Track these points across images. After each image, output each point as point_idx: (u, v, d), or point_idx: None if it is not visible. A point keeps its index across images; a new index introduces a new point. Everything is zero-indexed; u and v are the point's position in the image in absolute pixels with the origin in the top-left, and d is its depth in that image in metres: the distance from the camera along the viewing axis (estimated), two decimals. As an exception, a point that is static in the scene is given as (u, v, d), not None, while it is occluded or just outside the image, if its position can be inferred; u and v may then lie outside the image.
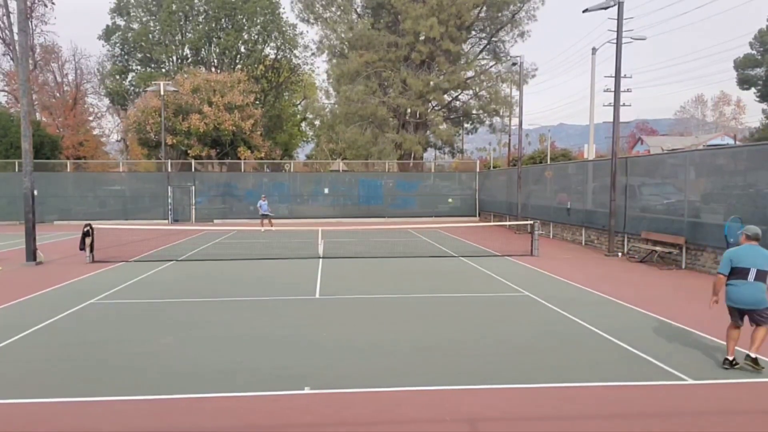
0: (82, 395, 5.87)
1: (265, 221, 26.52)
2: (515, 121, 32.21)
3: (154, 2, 49.46)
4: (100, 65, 52.77)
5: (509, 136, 33.11)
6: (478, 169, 38.89)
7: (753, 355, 6.55)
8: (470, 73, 41.47)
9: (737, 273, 6.56)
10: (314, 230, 20.94)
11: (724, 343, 7.68)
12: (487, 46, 43.49)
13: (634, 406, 5.52)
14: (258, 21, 50.74)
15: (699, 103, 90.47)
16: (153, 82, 39.81)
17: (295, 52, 53.34)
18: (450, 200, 36.02)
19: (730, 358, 6.61)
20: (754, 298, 6.47)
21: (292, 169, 43.79)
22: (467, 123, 46.47)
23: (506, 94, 39.83)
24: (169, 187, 33.00)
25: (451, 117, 45.22)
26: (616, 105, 17.74)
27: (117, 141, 59.14)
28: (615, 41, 17.48)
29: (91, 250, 15.81)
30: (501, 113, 41.22)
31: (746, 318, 6.64)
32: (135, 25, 50.49)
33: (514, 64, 31.17)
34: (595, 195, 20.03)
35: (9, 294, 11.14)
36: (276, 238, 22.80)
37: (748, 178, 12.92)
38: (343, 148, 45.15)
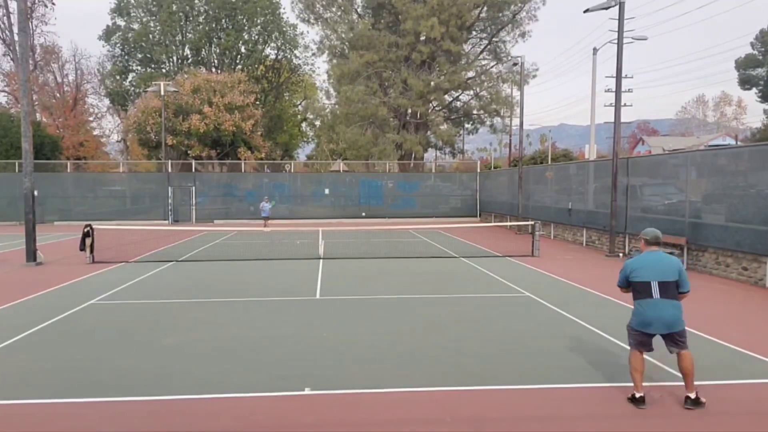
0: (82, 395, 5.86)
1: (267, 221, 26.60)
2: (516, 121, 32.19)
3: (154, 2, 49.49)
4: (101, 65, 52.86)
5: (510, 136, 33.06)
6: (478, 170, 38.89)
7: (693, 396, 5.41)
8: (471, 74, 41.49)
9: (638, 289, 5.48)
10: (315, 231, 20.92)
11: (725, 344, 7.69)
12: (488, 47, 43.49)
13: (635, 406, 5.49)
14: (258, 21, 50.78)
15: (700, 104, 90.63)
16: (153, 83, 39.88)
17: (295, 52, 53.45)
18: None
19: (638, 395, 5.44)
20: (664, 319, 5.34)
21: (292, 170, 43.80)
22: (468, 123, 46.47)
23: (507, 94, 39.82)
24: (170, 188, 33.00)
25: (452, 117, 45.23)
26: (617, 105, 17.72)
27: (117, 141, 59.18)
28: (616, 41, 17.46)
29: (92, 251, 15.80)
30: (502, 113, 41.22)
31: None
32: (135, 26, 50.54)
33: (515, 64, 31.11)
34: (596, 195, 20.01)
35: (9, 294, 11.13)
36: (276, 239, 22.79)
37: (749, 179, 12.90)
38: (344, 149, 45.16)
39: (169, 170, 33.93)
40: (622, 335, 7.94)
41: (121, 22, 50.79)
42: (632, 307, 5.69)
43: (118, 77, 51.31)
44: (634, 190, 17.37)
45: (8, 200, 31.32)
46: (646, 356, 7.04)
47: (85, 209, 32.81)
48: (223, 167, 41.39)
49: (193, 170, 36.10)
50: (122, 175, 37.58)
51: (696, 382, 6.20)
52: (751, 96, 64.98)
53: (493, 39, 42.85)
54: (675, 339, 5.42)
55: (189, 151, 40.72)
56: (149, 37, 49.59)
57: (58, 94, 50.63)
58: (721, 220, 13.41)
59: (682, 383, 6.25)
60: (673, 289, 5.40)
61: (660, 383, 6.17)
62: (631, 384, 5.57)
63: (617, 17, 17.19)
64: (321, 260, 16.06)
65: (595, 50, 36.07)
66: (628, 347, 5.73)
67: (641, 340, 5.50)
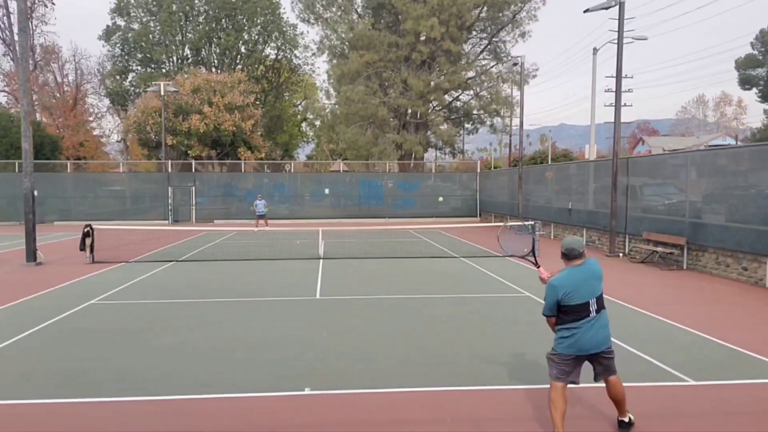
0: (82, 396, 5.86)
1: (260, 221, 26.49)
2: (516, 121, 32.21)
3: (154, 2, 49.51)
4: (101, 65, 52.90)
5: (510, 136, 33.07)
6: (478, 170, 38.88)
7: (627, 419, 4.95)
8: (471, 74, 41.47)
9: (573, 312, 4.63)
10: (315, 230, 20.92)
11: (725, 344, 7.69)
12: (488, 46, 43.48)
13: (635, 407, 5.48)
14: (258, 21, 50.80)
15: (700, 104, 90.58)
16: (153, 83, 39.88)
17: (295, 52, 53.49)
18: (440, 199, 35.45)
19: None
20: (603, 336, 4.71)
21: (292, 170, 43.81)
22: (468, 123, 46.46)
23: (507, 94, 39.81)
24: (170, 188, 33.00)
25: (452, 117, 45.21)
26: (617, 105, 17.71)
27: (117, 141, 59.22)
28: (616, 41, 17.46)
29: (92, 251, 15.80)
30: (502, 113, 41.20)
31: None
32: (135, 26, 50.56)
33: (515, 64, 31.13)
34: (596, 195, 20.01)
35: (9, 294, 11.13)
36: (276, 239, 22.79)
37: (749, 179, 12.90)
38: (344, 149, 45.19)
39: (169, 170, 33.93)
40: (621, 335, 7.96)
41: (121, 22, 50.82)
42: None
43: (118, 77, 51.32)
44: (634, 190, 17.37)
45: (8, 200, 31.31)
46: (642, 354, 7.05)
47: (85, 209, 32.80)
48: (223, 167, 41.40)
49: (193, 170, 36.07)
50: (122, 175, 37.58)
51: (697, 382, 6.21)
52: (751, 96, 65.02)
53: (493, 39, 42.84)
54: (604, 359, 4.75)
55: (189, 151, 40.72)
56: (149, 37, 49.59)
57: (58, 94, 50.64)
58: (721, 220, 13.40)
59: (683, 383, 6.22)
60: (601, 303, 4.75)
61: (660, 383, 6.17)
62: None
63: (617, 17, 17.19)
64: (321, 260, 16.05)
65: (595, 50, 36.09)
66: (552, 380, 4.80)
67: (572, 368, 4.70)
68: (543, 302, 4.93)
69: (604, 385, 4.91)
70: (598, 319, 4.68)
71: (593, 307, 4.65)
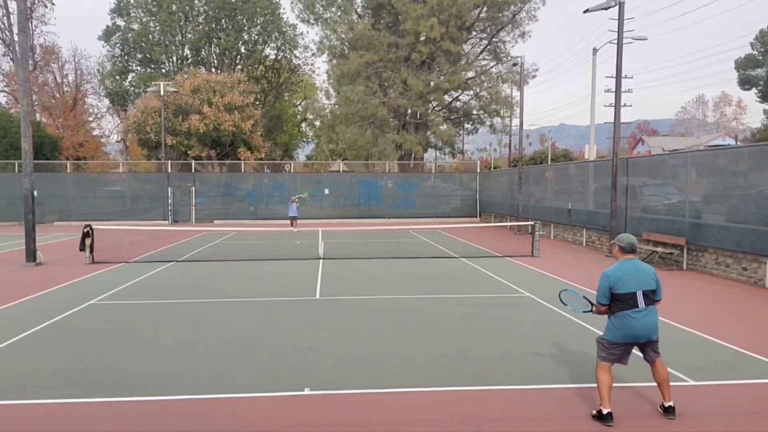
0: (82, 396, 5.85)
1: (295, 222, 26.77)
2: (516, 121, 32.20)
3: (154, 3, 49.47)
4: (100, 66, 52.85)
5: (510, 136, 33.07)
6: (478, 170, 38.89)
7: (671, 404, 5.28)
8: (471, 74, 41.45)
9: (621, 301, 5.18)
10: (314, 231, 20.92)
11: (725, 344, 7.69)
12: (488, 47, 43.47)
13: (635, 407, 5.49)
14: (258, 21, 50.78)
15: (700, 104, 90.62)
16: (153, 83, 39.85)
17: (295, 52, 53.47)
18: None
19: (606, 411, 5.13)
20: (649, 327, 5.17)
21: (292, 170, 43.76)
22: (468, 123, 46.43)
23: (507, 94, 39.81)
24: (169, 188, 32.99)
25: (452, 117, 45.20)
26: (617, 105, 17.71)
27: (117, 141, 59.20)
28: (616, 41, 17.46)
29: (91, 251, 15.80)
30: (501, 114, 41.19)
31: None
32: (135, 26, 50.53)
33: (514, 64, 31.13)
34: (596, 196, 20.02)
35: (9, 294, 11.13)
36: (276, 239, 22.79)
37: (749, 179, 12.90)
38: (344, 149, 45.12)
39: (169, 170, 33.91)
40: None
41: (120, 23, 50.78)
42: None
43: (117, 77, 51.30)
44: (634, 190, 17.37)
45: (8, 200, 31.31)
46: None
47: (85, 209, 32.78)
48: (222, 167, 41.40)
49: (193, 170, 36.07)
50: (122, 175, 37.55)
51: (697, 383, 6.21)
52: (751, 96, 65.09)
53: (493, 39, 42.82)
54: (654, 346, 5.27)
55: (189, 151, 40.71)
56: (149, 37, 49.56)
57: (57, 94, 50.63)
58: (720, 220, 13.41)
59: (683, 383, 6.20)
60: (652, 298, 5.23)
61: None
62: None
63: (617, 17, 17.19)
64: (321, 260, 16.05)
65: (595, 50, 36.07)
66: (599, 360, 5.32)
67: (621, 353, 5.25)
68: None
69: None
70: (648, 311, 5.15)
71: (641, 299, 5.13)
